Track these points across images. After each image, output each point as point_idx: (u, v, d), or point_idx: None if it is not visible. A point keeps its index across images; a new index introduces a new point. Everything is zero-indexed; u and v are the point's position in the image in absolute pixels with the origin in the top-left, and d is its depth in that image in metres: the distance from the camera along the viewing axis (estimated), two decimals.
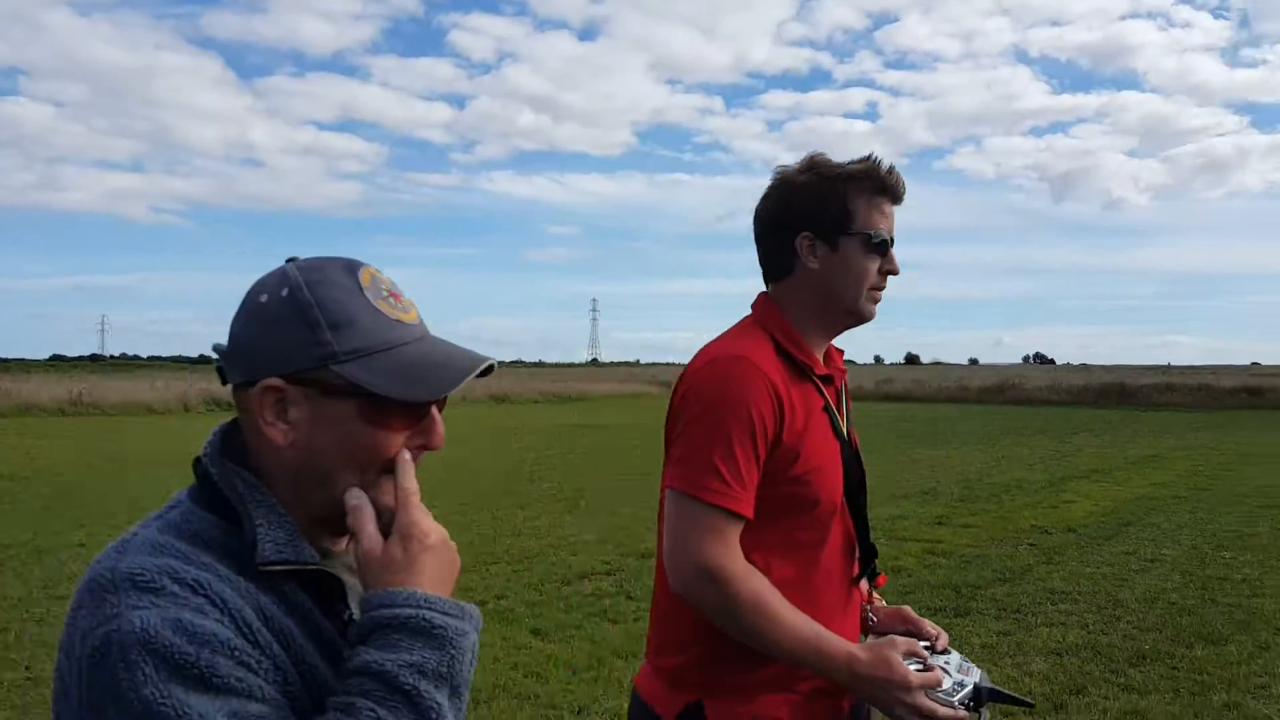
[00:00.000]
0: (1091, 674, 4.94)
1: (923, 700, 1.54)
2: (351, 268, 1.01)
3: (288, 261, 1.02)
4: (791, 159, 1.75)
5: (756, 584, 1.55)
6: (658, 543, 1.69)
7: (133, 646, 0.83)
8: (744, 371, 1.61)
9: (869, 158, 1.70)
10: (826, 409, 1.71)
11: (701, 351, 1.71)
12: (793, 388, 1.65)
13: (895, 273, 1.75)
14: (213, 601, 0.88)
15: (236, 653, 0.86)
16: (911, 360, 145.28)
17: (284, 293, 0.97)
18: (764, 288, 1.78)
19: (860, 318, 1.75)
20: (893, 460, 15.00)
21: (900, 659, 1.56)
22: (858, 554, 1.75)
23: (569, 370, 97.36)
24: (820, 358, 1.76)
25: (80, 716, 0.85)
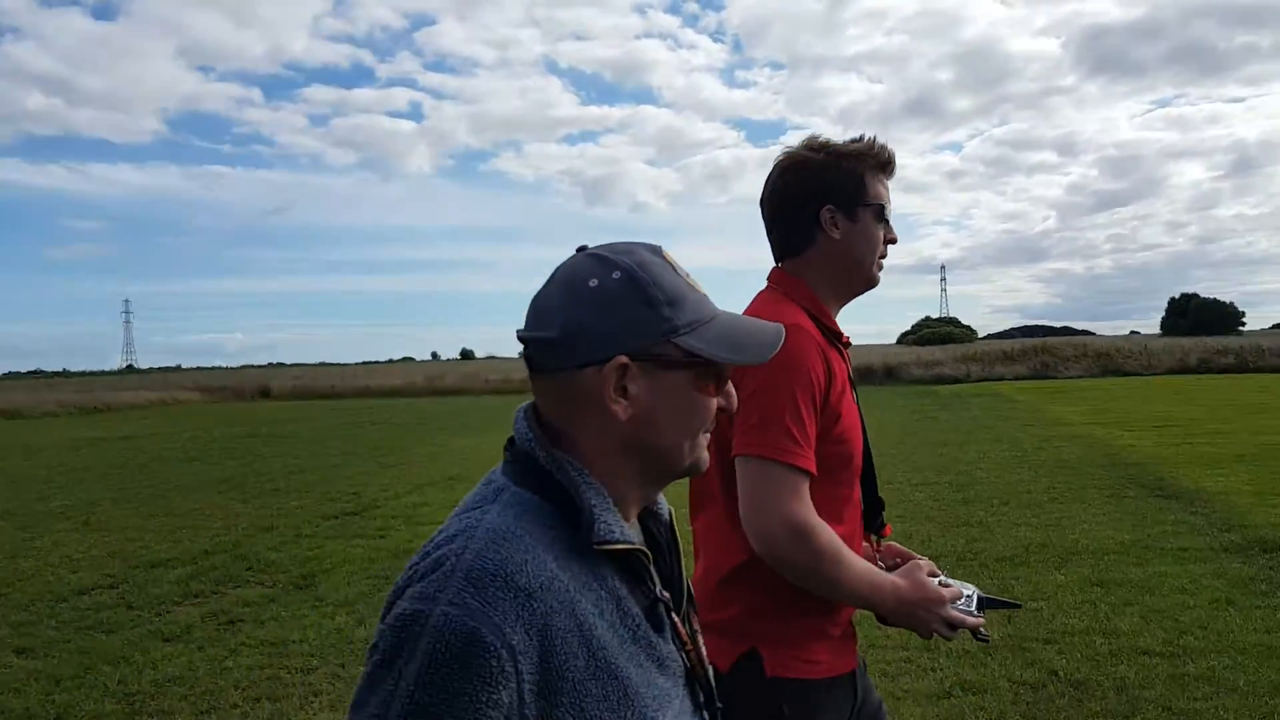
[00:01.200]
0: None
1: (953, 613, 1.71)
2: (655, 250, 1.06)
3: (580, 250, 1.07)
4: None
5: (831, 534, 1.64)
6: (692, 513, 1.83)
7: (427, 632, 0.88)
8: (800, 337, 1.69)
9: (862, 138, 1.85)
10: (849, 375, 1.84)
11: None
12: (829, 353, 1.75)
13: (894, 240, 1.88)
14: (534, 615, 0.91)
15: (502, 687, 0.88)
16: (466, 355, 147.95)
17: (616, 275, 1.01)
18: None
19: (872, 283, 1.88)
20: (426, 450, 15.76)
21: (930, 580, 1.73)
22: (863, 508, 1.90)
23: (99, 379, 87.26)
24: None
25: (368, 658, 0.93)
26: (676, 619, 1.08)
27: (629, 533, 1.02)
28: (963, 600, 1.74)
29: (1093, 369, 33.73)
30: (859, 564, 1.68)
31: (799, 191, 1.83)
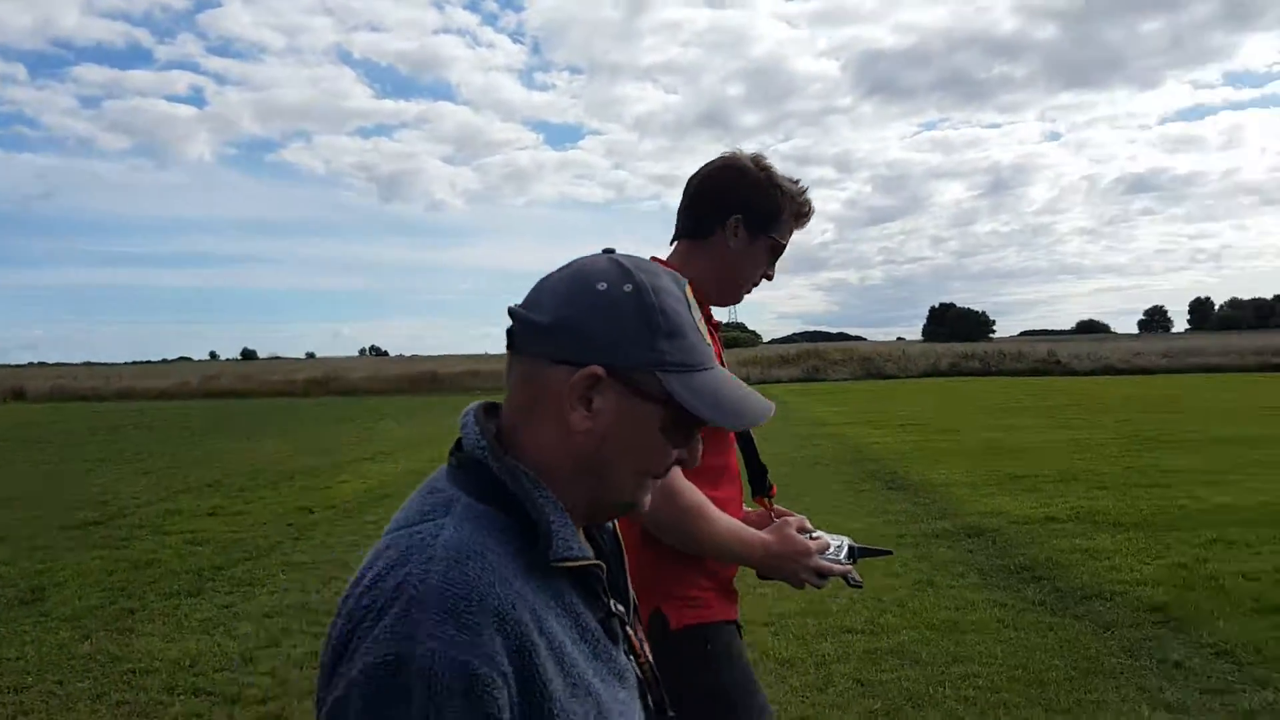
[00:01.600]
0: (290, 628, 5.73)
1: (820, 562, 1.85)
2: (679, 281, 1.02)
3: (607, 252, 1.02)
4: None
5: (697, 494, 1.79)
6: None
7: (417, 675, 0.82)
8: None
9: (798, 182, 2.00)
10: (720, 354, 1.94)
11: None
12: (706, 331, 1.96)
13: (770, 278, 2.05)
14: (510, 639, 0.87)
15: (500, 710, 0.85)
16: (249, 355, 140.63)
17: (627, 288, 0.96)
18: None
19: (735, 300, 2.05)
20: (189, 457, 15.07)
21: (797, 534, 1.87)
22: (747, 474, 2.06)
23: None
24: None
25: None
26: (630, 630, 1.08)
27: (585, 547, 1.00)
28: (831, 550, 1.89)
29: (857, 372, 36.09)
30: (726, 521, 1.84)
31: (725, 188, 1.98)
